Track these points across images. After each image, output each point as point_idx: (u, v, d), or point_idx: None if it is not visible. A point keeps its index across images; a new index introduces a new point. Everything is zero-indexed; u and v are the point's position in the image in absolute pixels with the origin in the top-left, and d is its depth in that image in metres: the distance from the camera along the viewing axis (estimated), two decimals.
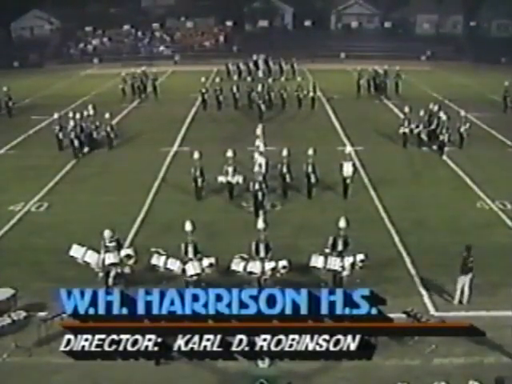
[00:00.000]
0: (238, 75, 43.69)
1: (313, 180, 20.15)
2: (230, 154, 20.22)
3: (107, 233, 14.32)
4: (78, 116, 25.99)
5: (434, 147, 25.45)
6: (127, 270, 14.44)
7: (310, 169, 20.01)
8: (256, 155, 20.96)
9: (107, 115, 26.79)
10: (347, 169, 20.23)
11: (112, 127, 26.83)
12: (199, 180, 20.21)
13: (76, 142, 25.34)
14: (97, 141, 26.77)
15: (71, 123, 25.40)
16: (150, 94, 39.66)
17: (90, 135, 26.45)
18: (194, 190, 20.41)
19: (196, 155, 20.25)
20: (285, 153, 20.12)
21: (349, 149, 22.41)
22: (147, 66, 44.09)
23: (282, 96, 33.85)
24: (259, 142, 22.23)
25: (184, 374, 11.49)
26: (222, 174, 20.07)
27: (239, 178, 20.01)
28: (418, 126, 26.05)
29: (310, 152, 20.04)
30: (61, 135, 26.08)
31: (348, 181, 20.36)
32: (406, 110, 26.39)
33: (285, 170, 20.04)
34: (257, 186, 18.78)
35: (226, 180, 20.12)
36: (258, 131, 23.65)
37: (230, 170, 20.01)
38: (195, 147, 24.92)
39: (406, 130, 25.98)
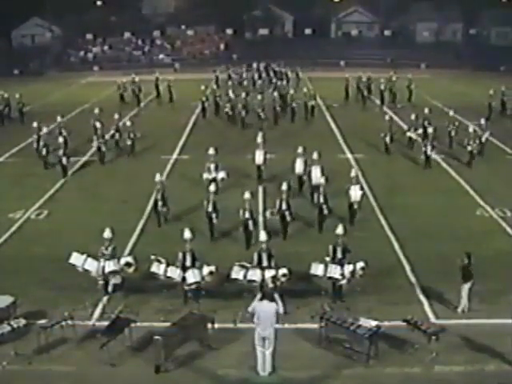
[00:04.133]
0: (238, 83, 43.59)
1: (325, 212, 17.90)
2: (211, 151, 20.77)
3: (107, 232, 14.39)
4: (65, 133, 25.90)
5: (430, 153, 25.21)
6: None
7: (321, 199, 17.89)
8: (299, 160, 20.92)
9: (128, 122, 27.27)
10: (355, 193, 18.33)
11: (135, 134, 26.72)
12: (159, 204, 18.36)
13: (64, 160, 23.85)
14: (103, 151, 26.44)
15: (60, 140, 24.36)
16: (149, 102, 39.85)
17: (99, 149, 25.74)
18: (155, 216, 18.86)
19: (157, 178, 18.72)
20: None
21: (355, 172, 19.87)
22: (158, 73, 43.72)
23: (294, 109, 32.79)
24: (301, 149, 21.01)
25: (184, 382, 11.46)
26: (206, 172, 20.42)
27: (223, 174, 20.32)
28: (409, 129, 27.06)
29: (322, 181, 18.26)
30: (35, 145, 25.82)
31: (355, 206, 18.44)
32: (387, 118, 27.76)
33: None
34: (247, 215, 16.93)
35: (211, 177, 20.29)
36: (259, 139, 23.42)
37: (212, 166, 20.37)
38: (194, 155, 24.96)
39: (387, 139, 26.45)
